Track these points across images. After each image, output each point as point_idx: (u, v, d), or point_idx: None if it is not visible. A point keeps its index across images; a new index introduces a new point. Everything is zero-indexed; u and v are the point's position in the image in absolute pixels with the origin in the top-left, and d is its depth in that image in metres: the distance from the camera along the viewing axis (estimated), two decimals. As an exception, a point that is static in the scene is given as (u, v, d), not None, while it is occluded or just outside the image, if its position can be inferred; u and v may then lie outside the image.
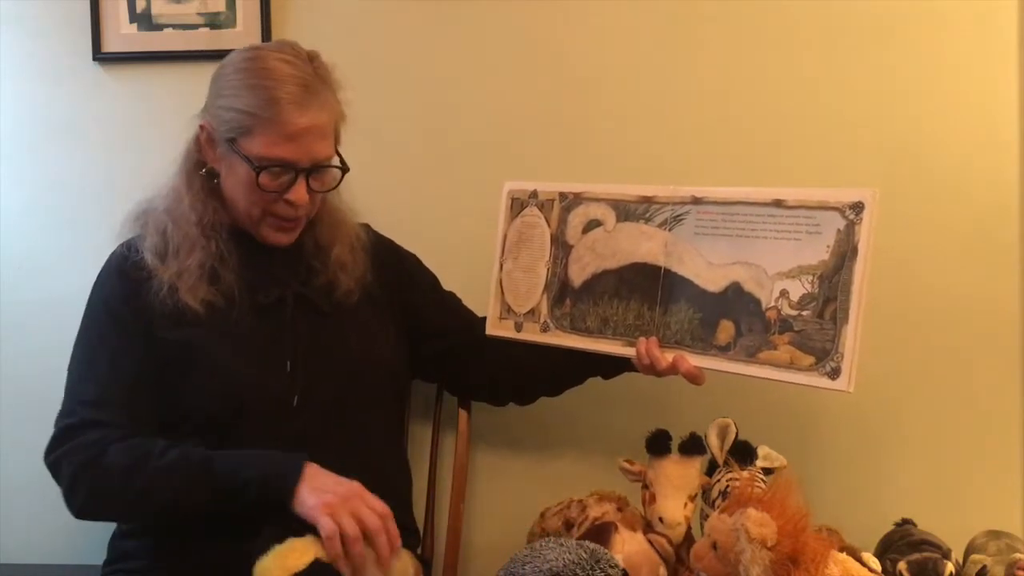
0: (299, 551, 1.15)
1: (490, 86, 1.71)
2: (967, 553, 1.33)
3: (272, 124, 1.26)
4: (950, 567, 1.25)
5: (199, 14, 1.71)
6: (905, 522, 1.42)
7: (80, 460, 1.24)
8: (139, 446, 1.24)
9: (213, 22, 1.70)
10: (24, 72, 1.76)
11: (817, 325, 1.17)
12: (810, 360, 1.17)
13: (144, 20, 1.72)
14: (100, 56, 1.72)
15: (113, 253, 1.38)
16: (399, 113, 1.72)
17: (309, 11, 1.71)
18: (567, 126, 1.70)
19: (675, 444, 1.33)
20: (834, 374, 1.15)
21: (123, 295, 1.32)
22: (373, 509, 1.19)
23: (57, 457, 1.26)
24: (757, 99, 1.66)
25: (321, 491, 1.19)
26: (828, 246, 1.17)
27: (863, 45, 1.64)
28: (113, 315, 1.33)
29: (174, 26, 1.71)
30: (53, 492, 1.65)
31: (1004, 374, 1.64)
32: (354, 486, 1.21)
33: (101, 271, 1.38)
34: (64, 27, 1.73)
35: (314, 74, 1.30)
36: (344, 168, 1.35)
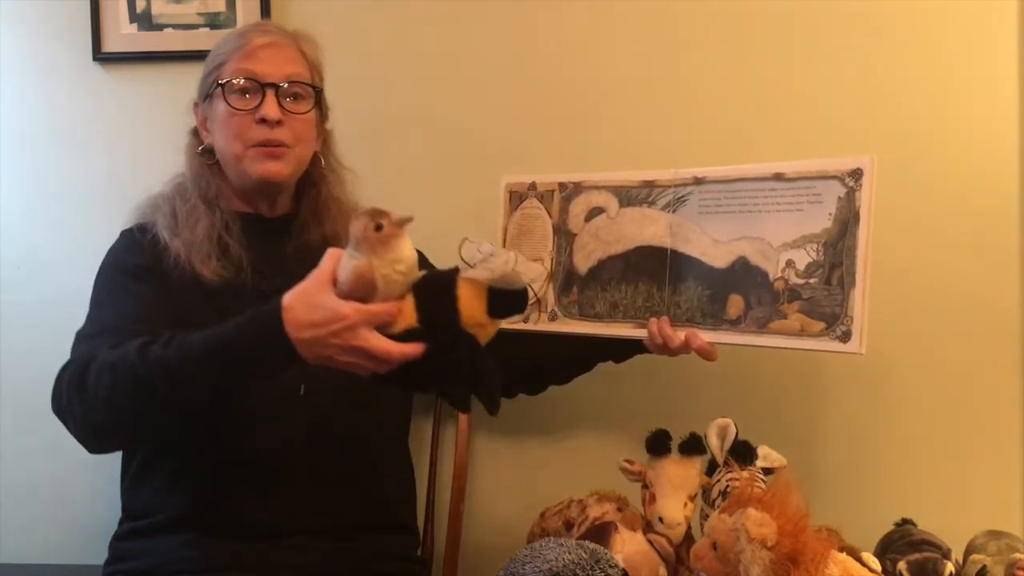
0: None
1: (488, 80, 1.71)
2: (967, 553, 1.33)
3: (237, 49, 1.33)
4: (950, 567, 1.24)
5: (199, 14, 1.71)
6: (905, 522, 1.42)
7: (67, 382, 1.17)
8: (116, 351, 1.14)
9: (213, 22, 1.71)
10: (24, 72, 1.76)
11: (825, 291, 1.19)
12: (821, 326, 1.19)
13: (144, 20, 1.72)
14: (100, 56, 1.72)
15: (122, 233, 1.39)
16: (399, 109, 1.72)
17: (310, 10, 1.71)
18: (566, 117, 1.70)
19: (675, 444, 1.33)
20: (845, 337, 1.17)
21: (139, 262, 1.32)
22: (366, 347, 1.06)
23: (55, 398, 1.19)
24: (753, 96, 1.66)
25: (308, 330, 1.06)
26: (830, 214, 1.19)
27: (861, 43, 1.64)
28: (126, 272, 1.32)
29: (174, 26, 1.71)
30: (53, 492, 1.66)
31: (1004, 374, 1.64)
32: (335, 318, 1.05)
33: (110, 249, 1.38)
34: (64, 27, 1.73)
35: (283, 26, 1.38)
36: (317, 88, 1.37)
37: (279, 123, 1.32)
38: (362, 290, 1.04)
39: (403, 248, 1.05)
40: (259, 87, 1.32)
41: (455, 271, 1.08)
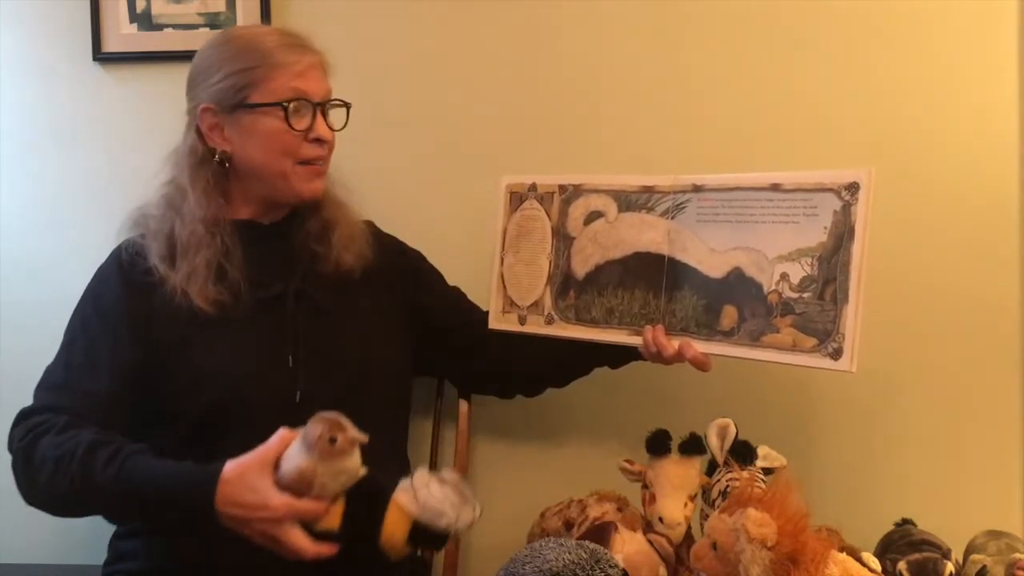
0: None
1: (489, 81, 1.71)
2: (967, 553, 1.33)
3: (279, 67, 1.31)
4: (950, 567, 1.25)
5: (199, 14, 1.71)
6: (905, 522, 1.42)
7: (16, 447, 1.23)
8: (66, 442, 1.19)
9: (213, 22, 1.71)
10: (24, 72, 1.76)
11: (818, 307, 1.18)
12: (812, 342, 1.18)
13: (144, 20, 1.72)
14: (100, 56, 1.72)
15: (116, 250, 1.37)
16: (399, 110, 1.72)
17: (309, 10, 1.71)
18: (567, 119, 1.70)
19: (675, 444, 1.34)
20: (836, 355, 1.16)
21: (119, 296, 1.32)
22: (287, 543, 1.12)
23: (8, 443, 1.25)
24: (753, 97, 1.66)
25: (235, 508, 1.13)
26: (826, 228, 1.18)
27: (862, 43, 1.64)
28: (101, 310, 1.32)
29: (174, 26, 1.72)
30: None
31: (1004, 374, 1.64)
32: (263, 507, 1.11)
33: (101, 267, 1.37)
34: (64, 27, 1.73)
35: (284, 29, 1.40)
36: (348, 104, 1.39)
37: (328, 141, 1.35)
38: (300, 487, 1.10)
39: (350, 462, 1.11)
40: (311, 107, 1.33)
41: (390, 492, 1.13)
